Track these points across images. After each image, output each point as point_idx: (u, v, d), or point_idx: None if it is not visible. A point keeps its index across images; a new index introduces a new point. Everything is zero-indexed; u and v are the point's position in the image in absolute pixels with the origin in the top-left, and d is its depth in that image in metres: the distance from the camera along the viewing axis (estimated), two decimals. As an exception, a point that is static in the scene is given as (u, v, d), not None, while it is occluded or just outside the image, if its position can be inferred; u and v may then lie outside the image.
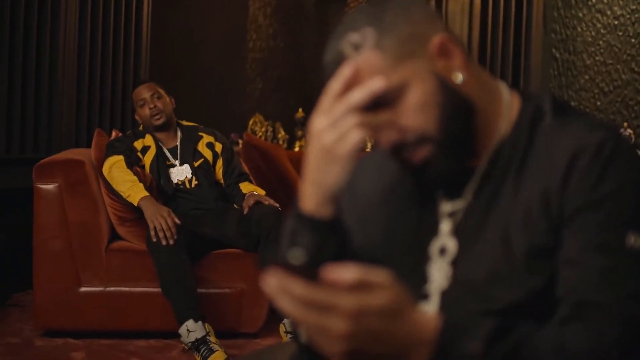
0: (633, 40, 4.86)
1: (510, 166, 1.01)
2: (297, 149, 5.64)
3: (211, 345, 2.93)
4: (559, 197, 0.95)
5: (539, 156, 0.98)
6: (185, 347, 3.02)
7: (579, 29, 5.03)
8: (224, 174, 3.53)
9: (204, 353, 2.92)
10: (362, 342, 0.77)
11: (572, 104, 4.65)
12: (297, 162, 4.00)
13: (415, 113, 0.97)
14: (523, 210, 0.97)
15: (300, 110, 5.75)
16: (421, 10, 1.01)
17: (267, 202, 3.27)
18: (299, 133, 5.73)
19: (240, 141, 4.79)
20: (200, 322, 2.97)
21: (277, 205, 3.29)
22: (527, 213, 0.97)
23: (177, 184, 3.45)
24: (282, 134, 5.73)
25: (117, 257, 3.27)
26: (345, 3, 5.95)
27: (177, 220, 3.11)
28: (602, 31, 4.95)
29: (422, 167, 1.00)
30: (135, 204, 3.16)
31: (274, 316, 3.29)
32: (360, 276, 0.76)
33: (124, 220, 3.32)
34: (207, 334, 2.97)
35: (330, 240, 0.99)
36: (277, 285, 0.76)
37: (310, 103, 5.16)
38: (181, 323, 2.98)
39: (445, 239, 1.04)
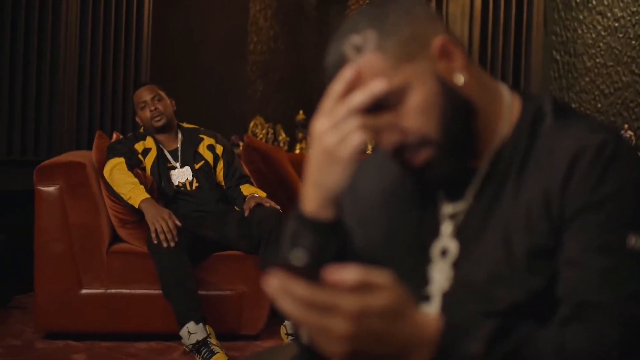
0: (633, 42, 4.86)
1: (511, 167, 1.01)
2: (297, 151, 5.64)
3: (212, 347, 2.93)
4: (559, 198, 0.95)
5: (540, 157, 0.99)
6: (186, 349, 3.02)
7: (580, 31, 5.04)
8: (225, 176, 3.54)
9: (205, 355, 2.92)
10: (364, 342, 0.77)
11: (573, 106, 4.65)
12: (298, 164, 4.00)
13: (417, 115, 0.97)
14: (524, 211, 0.97)
15: (301, 112, 5.75)
16: (422, 12, 1.01)
17: (267, 204, 3.28)
18: (300, 135, 5.73)
19: (241, 143, 4.79)
20: (201, 324, 2.98)
21: (278, 207, 3.29)
22: (527, 214, 0.97)
23: (177, 186, 3.45)
24: (282, 136, 5.73)
25: (118, 259, 3.27)
26: (346, 5, 5.96)
27: (177, 223, 3.12)
28: (603, 33, 4.96)
29: (423, 169, 1.00)
30: (136, 206, 3.16)
31: (275, 318, 3.29)
32: (361, 277, 0.76)
33: (124, 223, 3.32)
34: (208, 335, 2.97)
35: (332, 241, 1.00)
36: (278, 286, 0.76)
37: (311, 105, 5.17)
38: (182, 325, 2.98)
39: (447, 240, 1.04)
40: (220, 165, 3.55)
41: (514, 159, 1.01)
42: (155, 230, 3.07)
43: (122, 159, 3.29)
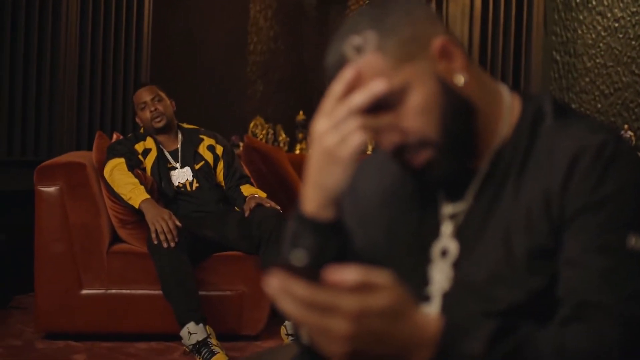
0: (633, 42, 4.86)
1: (511, 168, 1.01)
2: (297, 152, 5.64)
3: (212, 348, 2.93)
4: (559, 198, 0.95)
5: (540, 157, 0.99)
6: (187, 349, 3.02)
7: (580, 32, 5.04)
8: (225, 176, 3.54)
9: (205, 355, 2.92)
10: (364, 342, 0.77)
11: (573, 106, 4.65)
12: (298, 164, 4.00)
13: (417, 115, 0.97)
14: (524, 212, 0.98)
15: (301, 112, 5.75)
16: (422, 12, 1.01)
17: (268, 205, 3.28)
18: (300, 135, 5.73)
19: (241, 144, 4.80)
20: (201, 325, 2.98)
21: (278, 207, 3.29)
22: (528, 214, 0.97)
23: (178, 186, 3.46)
24: (282, 136, 5.73)
25: (118, 259, 3.28)
26: (346, 5, 5.96)
27: (178, 223, 3.12)
28: (603, 34, 4.96)
29: (424, 169, 1.00)
30: (137, 207, 3.16)
31: (275, 318, 3.29)
32: (361, 277, 0.76)
33: (125, 223, 3.32)
34: (208, 336, 2.97)
35: (332, 242, 1.00)
36: (279, 286, 0.76)
37: (311, 105, 5.17)
38: (182, 325, 2.98)
39: (447, 241, 1.04)
40: (221, 165, 3.55)
41: (514, 159, 1.01)
42: (156, 230, 3.08)
43: (122, 160, 3.29)
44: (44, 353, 3.07)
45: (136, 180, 3.23)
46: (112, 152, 3.34)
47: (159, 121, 3.47)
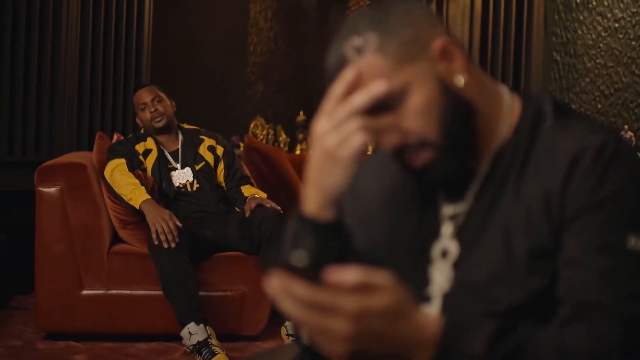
0: (634, 43, 4.86)
1: (511, 168, 1.01)
2: (298, 152, 5.64)
3: (213, 348, 2.93)
4: (559, 198, 0.95)
5: (540, 158, 0.99)
6: (187, 349, 3.02)
7: (580, 32, 5.04)
8: (226, 177, 3.54)
9: (206, 356, 2.92)
10: (364, 343, 0.78)
11: (573, 106, 4.66)
12: (299, 165, 4.00)
13: (417, 116, 0.97)
14: (524, 212, 0.98)
15: (301, 113, 5.75)
16: (422, 13, 1.01)
17: (268, 205, 3.28)
18: (300, 136, 5.73)
19: (242, 144, 4.80)
20: (201, 325, 2.98)
21: (279, 208, 3.29)
22: (528, 215, 0.97)
23: (178, 187, 3.46)
24: (283, 136, 5.73)
25: (119, 260, 3.28)
26: (347, 5, 5.95)
27: (178, 223, 3.12)
28: (603, 34, 4.96)
29: (424, 170, 1.00)
30: (137, 207, 3.16)
31: (276, 319, 3.29)
32: (362, 278, 0.77)
33: (125, 223, 3.32)
34: (209, 336, 2.97)
35: (333, 242, 1.00)
36: (279, 286, 0.77)
37: (311, 106, 5.16)
38: (183, 326, 2.98)
39: (447, 241, 1.04)
40: (221, 166, 3.56)
41: (514, 159, 1.01)
42: (156, 231, 3.08)
43: (123, 160, 3.29)
44: (44, 353, 3.07)
45: (137, 181, 3.23)
46: (112, 152, 3.34)
47: (159, 121, 3.47)
